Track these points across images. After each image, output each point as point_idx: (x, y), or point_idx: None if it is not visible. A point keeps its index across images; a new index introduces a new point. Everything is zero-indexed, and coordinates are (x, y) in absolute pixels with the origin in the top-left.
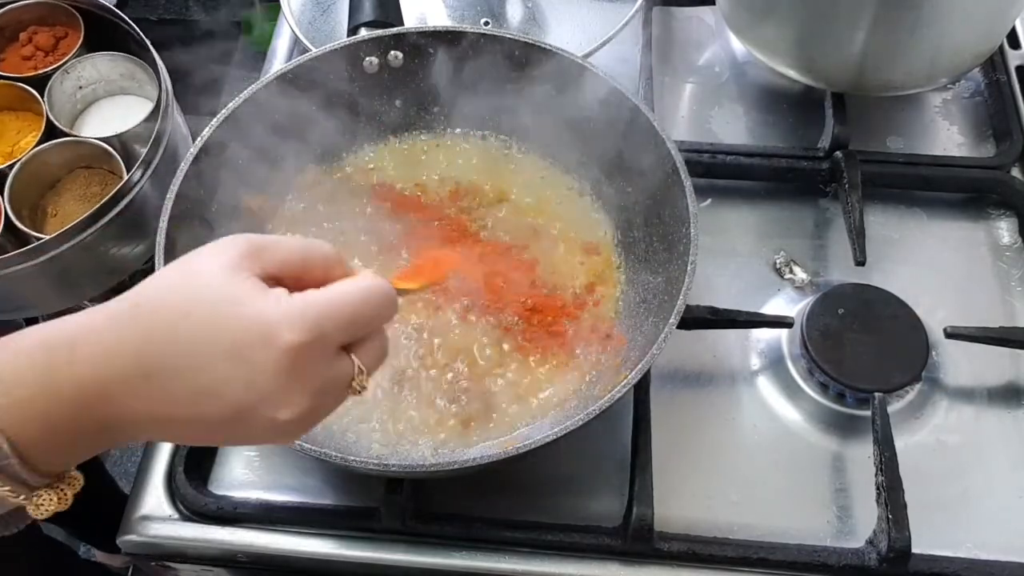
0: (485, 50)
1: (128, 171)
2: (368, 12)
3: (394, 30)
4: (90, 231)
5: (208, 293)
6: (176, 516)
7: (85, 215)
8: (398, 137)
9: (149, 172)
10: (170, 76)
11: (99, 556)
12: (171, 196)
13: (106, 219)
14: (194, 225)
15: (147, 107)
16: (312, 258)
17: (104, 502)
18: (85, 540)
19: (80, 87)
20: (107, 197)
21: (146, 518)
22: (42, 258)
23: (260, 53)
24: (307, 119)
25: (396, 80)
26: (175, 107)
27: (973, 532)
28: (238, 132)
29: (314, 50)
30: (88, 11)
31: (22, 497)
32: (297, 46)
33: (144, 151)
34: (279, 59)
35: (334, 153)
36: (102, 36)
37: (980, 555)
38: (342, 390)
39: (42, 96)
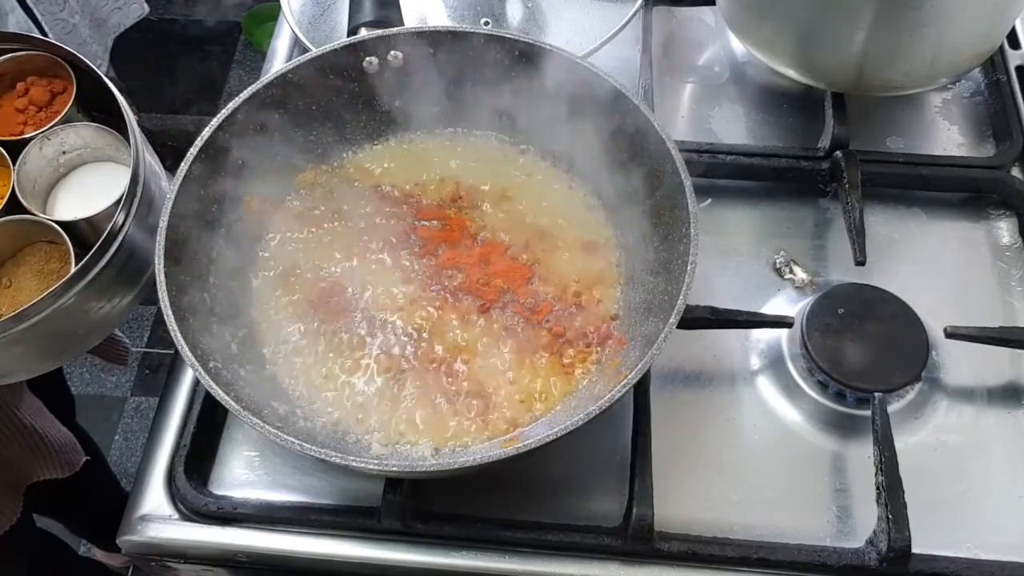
0: (485, 50)
1: (78, 261)
2: (368, 12)
3: (394, 30)
4: (44, 311)
5: None
6: (176, 516)
7: (40, 297)
8: (398, 137)
9: (104, 264)
10: (171, 76)
11: (99, 555)
12: (171, 196)
13: (55, 305)
14: (194, 226)
15: (127, 178)
16: None
17: (104, 501)
18: (86, 539)
19: (64, 152)
20: (64, 279)
21: (146, 518)
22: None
23: (260, 53)
24: (307, 119)
25: (396, 80)
26: (157, 176)
27: (973, 532)
28: (238, 132)
29: (314, 50)
30: (82, 69)
31: None
32: (297, 46)
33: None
34: (279, 59)
35: (334, 153)
36: (95, 93)
37: (980, 555)
38: None
39: (15, 162)
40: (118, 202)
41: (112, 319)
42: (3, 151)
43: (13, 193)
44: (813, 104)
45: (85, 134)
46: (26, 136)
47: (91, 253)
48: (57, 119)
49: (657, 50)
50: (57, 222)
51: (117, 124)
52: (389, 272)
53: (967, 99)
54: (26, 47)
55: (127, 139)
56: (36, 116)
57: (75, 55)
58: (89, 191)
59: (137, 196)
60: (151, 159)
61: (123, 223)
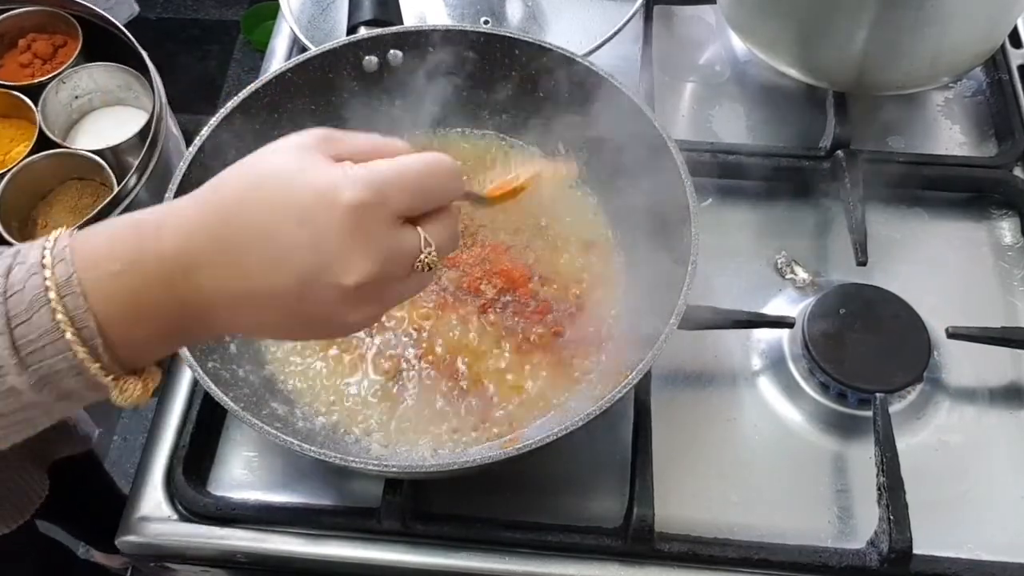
0: (485, 49)
1: (120, 183)
2: (368, 11)
3: (394, 29)
4: None
5: (279, 168)
6: (175, 517)
7: (75, 225)
8: (398, 137)
9: (143, 182)
10: (170, 75)
11: (98, 556)
12: (170, 196)
13: None
14: None
15: (142, 118)
16: (383, 150)
17: (103, 502)
18: (84, 540)
19: (76, 97)
20: (98, 208)
21: (145, 519)
22: None
23: (260, 53)
24: (306, 119)
25: (396, 80)
26: (169, 117)
27: (975, 533)
28: (237, 132)
29: (314, 49)
30: (87, 21)
31: (111, 377)
32: (297, 45)
33: (137, 162)
34: (279, 58)
35: None
36: (100, 46)
37: (982, 556)
38: (408, 260)
39: (36, 105)
40: (143, 132)
41: None
42: (24, 97)
43: (40, 135)
44: (814, 103)
45: (97, 75)
46: (43, 79)
47: (131, 173)
48: (68, 63)
49: (657, 49)
50: (92, 151)
51: None
52: None
53: (969, 98)
54: (29, 3)
55: (138, 76)
56: (42, 68)
57: (82, 4)
58: (105, 133)
59: (165, 118)
60: (166, 105)
61: (155, 138)
